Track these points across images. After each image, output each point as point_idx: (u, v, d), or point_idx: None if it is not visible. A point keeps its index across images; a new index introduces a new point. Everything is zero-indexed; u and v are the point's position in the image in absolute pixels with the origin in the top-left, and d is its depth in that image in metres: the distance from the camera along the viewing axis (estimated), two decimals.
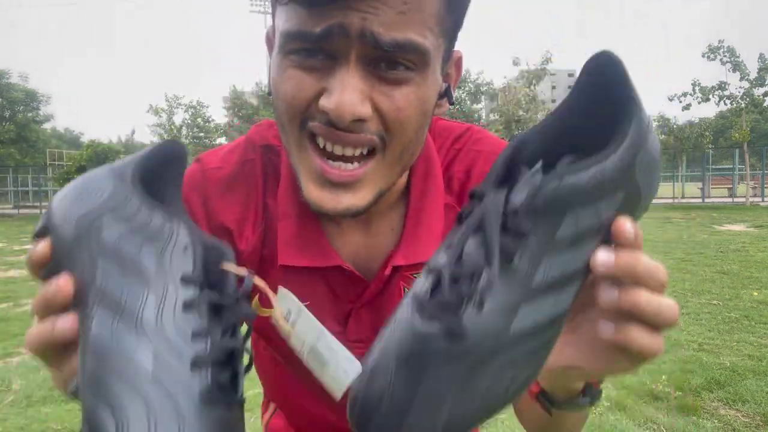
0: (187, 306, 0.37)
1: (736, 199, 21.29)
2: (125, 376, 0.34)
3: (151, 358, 0.34)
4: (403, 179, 0.63)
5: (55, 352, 0.38)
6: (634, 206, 0.40)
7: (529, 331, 0.37)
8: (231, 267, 0.40)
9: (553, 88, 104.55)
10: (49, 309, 0.38)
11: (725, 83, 20.10)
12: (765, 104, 20.38)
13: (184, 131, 23.31)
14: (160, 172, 0.45)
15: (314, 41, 0.45)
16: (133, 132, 62.16)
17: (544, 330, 0.38)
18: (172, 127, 23.05)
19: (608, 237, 0.39)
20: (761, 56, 19.69)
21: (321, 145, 0.49)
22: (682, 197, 21.88)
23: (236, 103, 22.99)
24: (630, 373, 0.42)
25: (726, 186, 23.72)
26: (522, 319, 0.36)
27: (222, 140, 24.34)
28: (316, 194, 0.50)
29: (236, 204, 0.61)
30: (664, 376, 3.24)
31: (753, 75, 19.71)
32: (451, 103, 0.58)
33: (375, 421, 0.37)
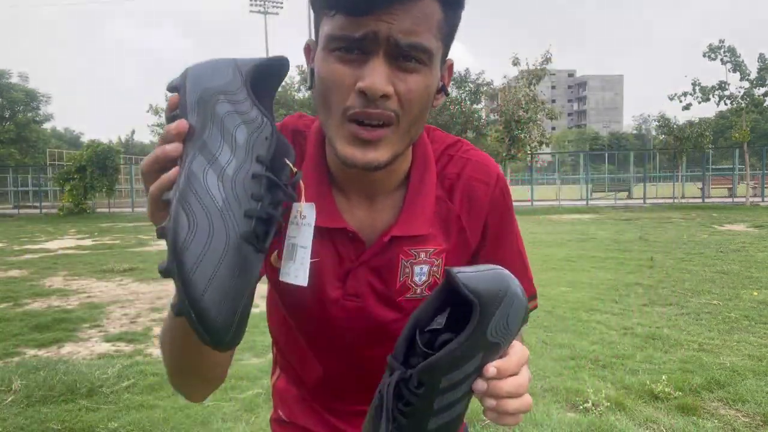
0: (255, 176, 0.53)
1: (736, 199, 21.29)
2: (204, 200, 0.50)
3: (222, 197, 0.51)
4: (405, 166, 0.79)
5: (158, 168, 0.55)
6: (498, 351, 0.60)
7: None
8: (289, 163, 0.58)
9: (553, 87, 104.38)
10: (166, 139, 0.55)
11: (725, 83, 20.10)
12: (765, 104, 20.37)
13: None
14: (266, 77, 0.61)
15: (353, 42, 0.63)
16: (133, 132, 62.16)
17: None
18: None
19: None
20: (761, 56, 19.69)
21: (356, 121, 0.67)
22: (682, 197, 21.89)
23: None
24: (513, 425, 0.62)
25: (726, 186, 23.71)
26: None
27: None
28: (349, 150, 0.67)
29: None
30: (664, 376, 3.24)
31: (753, 75, 19.73)
32: (447, 94, 0.75)
33: None
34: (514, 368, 0.61)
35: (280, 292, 0.83)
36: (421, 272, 0.79)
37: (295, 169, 0.58)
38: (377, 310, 0.80)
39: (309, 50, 0.74)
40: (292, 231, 0.71)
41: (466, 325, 0.59)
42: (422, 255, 0.78)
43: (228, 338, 0.51)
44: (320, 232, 0.74)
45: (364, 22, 0.62)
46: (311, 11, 0.72)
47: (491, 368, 0.59)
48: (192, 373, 0.73)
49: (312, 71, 0.71)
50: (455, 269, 0.60)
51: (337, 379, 0.89)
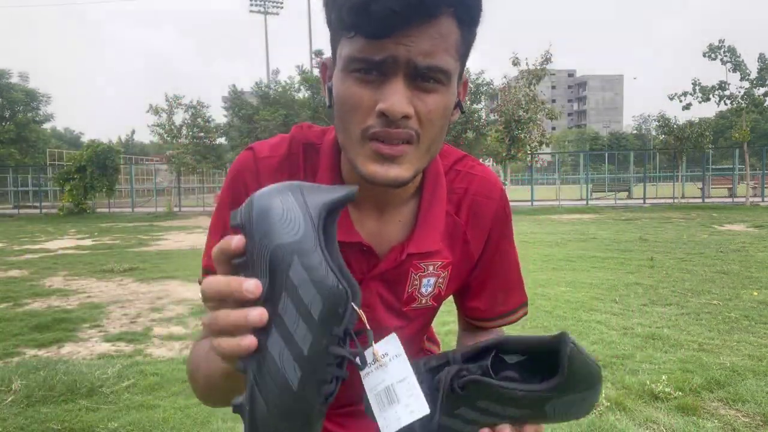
0: (329, 351, 0.52)
1: (736, 199, 21.29)
2: (280, 384, 0.50)
3: (298, 378, 0.50)
4: (417, 180, 0.80)
5: (229, 331, 0.51)
6: (539, 421, 0.64)
7: None
8: (357, 310, 0.55)
9: (553, 87, 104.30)
10: (234, 298, 0.51)
11: (726, 83, 20.10)
12: (765, 104, 20.36)
13: (184, 131, 23.16)
14: (333, 212, 0.57)
15: (372, 64, 0.64)
16: (133, 132, 62.20)
17: None
18: (172, 127, 22.97)
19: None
20: (761, 56, 19.68)
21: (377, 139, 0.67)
22: (682, 197, 21.88)
23: (236, 103, 22.93)
24: None
25: (726, 186, 23.71)
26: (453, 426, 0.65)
27: (222, 140, 24.30)
28: (372, 168, 0.67)
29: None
30: (664, 376, 3.24)
31: (753, 75, 19.72)
32: (462, 112, 0.76)
33: None
34: None
35: None
36: (428, 284, 0.83)
37: (364, 317, 0.56)
38: (385, 319, 0.83)
39: (325, 68, 0.74)
40: (377, 377, 0.67)
41: (535, 371, 0.65)
42: (430, 268, 0.82)
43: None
44: None
45: (383, 46, 0.62)
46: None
47: (529, 430, 0.65)
48: (226, 398, 0.73)
49: (330, 90, 0.71)
50: (572, 338, 0.62)
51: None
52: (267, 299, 0.51)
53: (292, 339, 0.50)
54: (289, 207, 0.53)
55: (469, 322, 0.95)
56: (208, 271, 0.79)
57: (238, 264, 0.53)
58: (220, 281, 0.52)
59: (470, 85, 22.76)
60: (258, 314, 0.50)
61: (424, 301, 0.84)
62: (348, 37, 0.65)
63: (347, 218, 0.78)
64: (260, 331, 0.51)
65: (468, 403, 0.63)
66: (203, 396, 0.76)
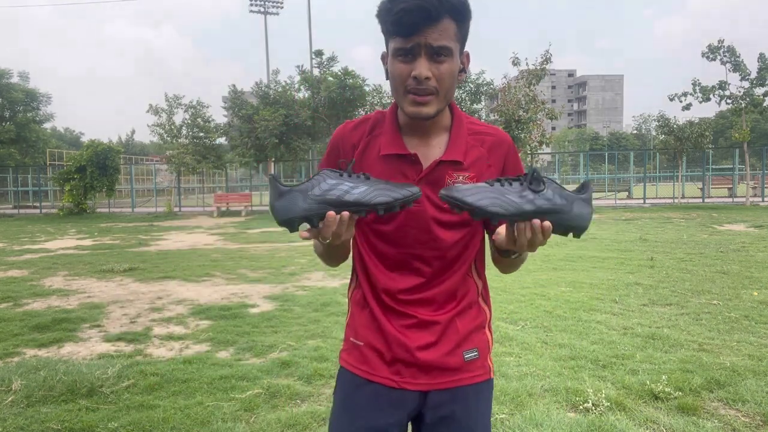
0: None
1: (736, 199, 21.29)
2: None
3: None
4: (447, 121, 1.28)
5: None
6: (560, 220, 1.08)
7: (536, 209, 1.06)
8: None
9: (553, 88, 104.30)
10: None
11: (725, 83, 20.10)
12: (765, 104, 20.36)
13: (184, 131, 23.16)
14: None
15: (407, 50, 1.14)
16: (133, 132, 62.20)
17: (539, 210, 1.06)
18: (172, 127, 22.97)
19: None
20: (761, 56, 19.68)
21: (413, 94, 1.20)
22: (682, 197, 21.88)
23: (236, 103, 22.91)
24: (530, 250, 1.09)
25: (726, 186, 23.72)
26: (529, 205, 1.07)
27: (222, 140, 24.29)
28: (412, 108, 1.18)
29: (357, 134, 1.32)
30: (664, 376, 3.24)
31: (753, 75, 19.72)
32: (465, 73, 1.24)
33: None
34: (543, 238, 1.07)
35: (375, 222, 1.30)
36: None
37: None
38: (433, 213, 1.22)
39: (384, 57, 1.23)
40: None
41: None
42: (460, 178, 1.23)
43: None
44: (391, 159, 1.24)
45: (411, 39, 1.12)
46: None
47: (547, 223, 1.05)
48: (330, 258, 1.34)
49: (387, 70, 1.21)
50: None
51: (401, 270, 1.27)
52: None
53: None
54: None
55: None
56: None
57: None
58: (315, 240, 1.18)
59: (470, 85, 22.98)
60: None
61: None
62: (392, 37, 1.16)
63: (402, 142, 1.25)
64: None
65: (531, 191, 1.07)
66: (321, 258, 1.35)
